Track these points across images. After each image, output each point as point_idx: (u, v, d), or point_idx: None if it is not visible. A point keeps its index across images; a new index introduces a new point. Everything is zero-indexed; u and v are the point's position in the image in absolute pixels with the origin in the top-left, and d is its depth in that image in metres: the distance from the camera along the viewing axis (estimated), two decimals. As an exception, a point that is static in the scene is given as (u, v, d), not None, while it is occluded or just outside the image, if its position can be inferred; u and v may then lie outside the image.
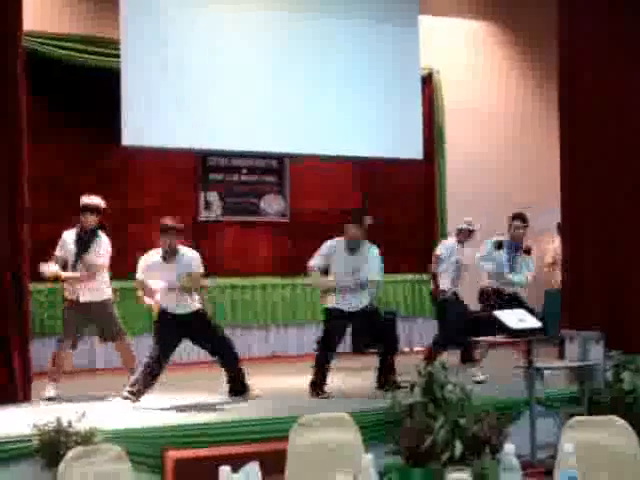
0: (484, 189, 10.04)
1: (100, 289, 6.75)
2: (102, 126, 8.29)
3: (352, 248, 6.50)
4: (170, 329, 6.22)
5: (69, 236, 6.70)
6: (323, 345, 6.55)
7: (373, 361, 6.74)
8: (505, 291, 7.34)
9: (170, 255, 6.13)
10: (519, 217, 7.37)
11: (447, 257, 7.98)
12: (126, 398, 6.02)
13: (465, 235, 8.08)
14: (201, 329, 6.33)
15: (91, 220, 6.69)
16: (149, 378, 6.11)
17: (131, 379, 6.19)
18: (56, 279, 6.69)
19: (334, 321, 6.55)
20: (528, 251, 7.40)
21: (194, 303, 6.29)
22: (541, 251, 10.12)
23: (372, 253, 6.55)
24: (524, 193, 10.27)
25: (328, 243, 6.61)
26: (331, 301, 6.54)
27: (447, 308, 7.91)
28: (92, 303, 6.68)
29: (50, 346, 8.07)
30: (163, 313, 6.23)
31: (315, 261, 6.59)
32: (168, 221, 6.10)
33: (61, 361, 6.73)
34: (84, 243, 6.67)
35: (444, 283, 7.94)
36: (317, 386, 6.41)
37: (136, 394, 6.05)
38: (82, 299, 6.67)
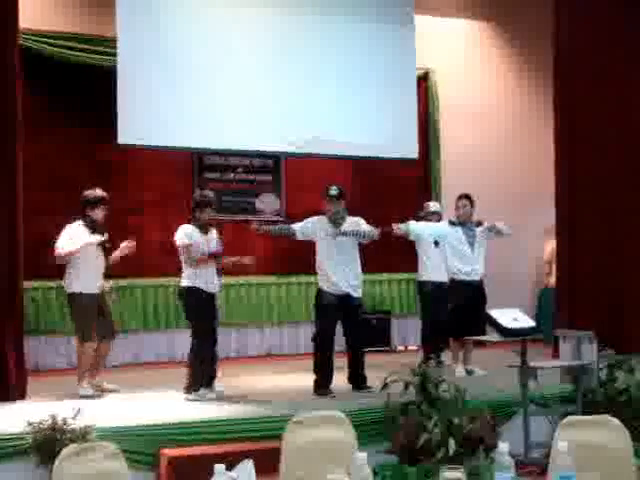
0: (481, 187, 10.04)
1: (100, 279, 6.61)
2: (101, 120, 8.22)
3: (337, 221, 6.55)
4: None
5: (79, 230, 6.47)
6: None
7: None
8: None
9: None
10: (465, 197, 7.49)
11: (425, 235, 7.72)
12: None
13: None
14: None
15: (102, 213, 6.60)
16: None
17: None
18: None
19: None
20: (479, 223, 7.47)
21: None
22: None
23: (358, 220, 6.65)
24: (522, 190, 10.29)
25: (314, 219, 6.66)
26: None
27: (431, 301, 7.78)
28: (98, 294, 6.52)
29: (45, 344, 8.12)
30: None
31: (298, 227, 6.65)
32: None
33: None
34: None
35: (430, 273, 7.74)
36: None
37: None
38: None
